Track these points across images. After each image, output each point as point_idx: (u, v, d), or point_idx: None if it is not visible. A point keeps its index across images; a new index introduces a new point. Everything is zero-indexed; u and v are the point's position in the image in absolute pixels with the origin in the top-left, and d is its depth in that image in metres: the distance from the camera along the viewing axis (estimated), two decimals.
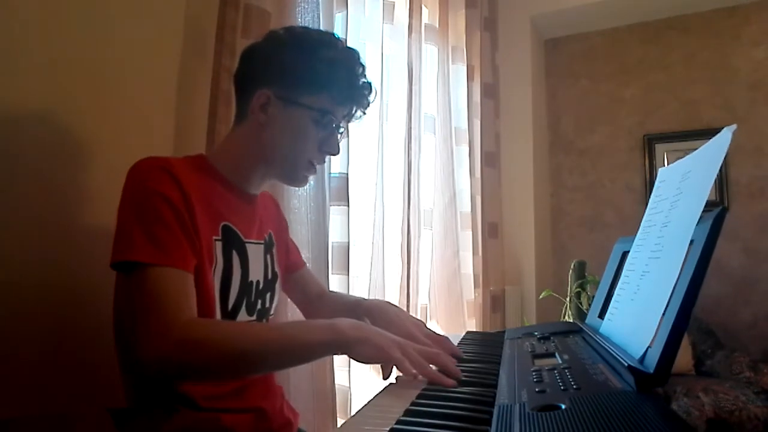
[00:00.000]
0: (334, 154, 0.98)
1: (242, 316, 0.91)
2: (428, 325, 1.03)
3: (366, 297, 1.65)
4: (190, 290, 0.76)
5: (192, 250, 0.79)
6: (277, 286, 1.01)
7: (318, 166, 0.98)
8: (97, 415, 0.96)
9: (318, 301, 1.13)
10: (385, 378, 0.82)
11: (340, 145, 0.99)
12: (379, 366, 0.84)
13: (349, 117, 0.97)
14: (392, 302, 1.10)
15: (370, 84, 0.96)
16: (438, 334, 0.98)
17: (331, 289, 1.41)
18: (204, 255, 0.82)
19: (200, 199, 0.83)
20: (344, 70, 0.92)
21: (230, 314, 0.88)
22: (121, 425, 0.89)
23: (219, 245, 0.86)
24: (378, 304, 1.05)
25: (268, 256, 0.99)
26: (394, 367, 0.80)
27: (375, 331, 0.78)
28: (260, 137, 0.92)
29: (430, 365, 0.77)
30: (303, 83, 0.90)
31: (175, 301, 0.72)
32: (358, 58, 0.95)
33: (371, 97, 0.97)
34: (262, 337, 0.76)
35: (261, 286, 0.96)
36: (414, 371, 0.75)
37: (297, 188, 1.33)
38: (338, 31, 1.52)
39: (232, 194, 0.93)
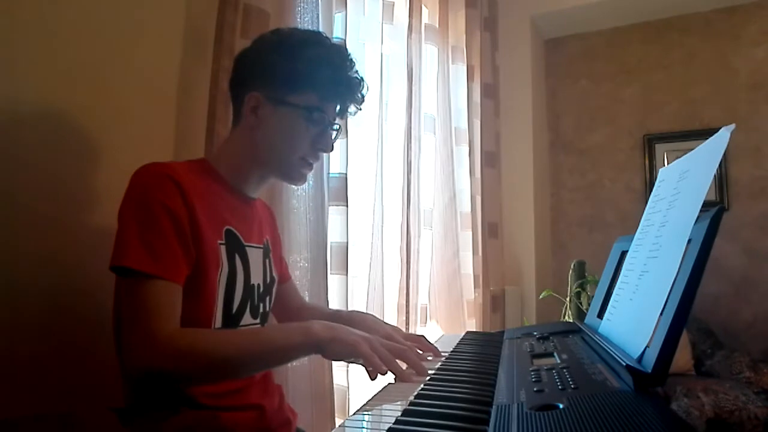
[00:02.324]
0: (327, 152, 0.99)
1: (246, 318, 0.92)
2: (428, 325, 1.07)
3: (365, 299, 1.66)
4: (178, 302, 0.78)
5: (186, 261, 0.80)
6: (275, 289, 1.03)
7: (316, 166, 1.00)
8: (99, 415, 0.97)
9: (297, 313, 1.14)
10: (372, 379, 0.84)
11: (334, 142, 1.00)
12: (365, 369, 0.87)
13: (342, 113, 0.98)
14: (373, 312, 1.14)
15: (360, 79, 0.97)
16: (414, 334, 1.08)
17: (329, 289, 1.42)
18: (209, 261, 0.83)
19: (204, 204, 0.84)
20: (328, 67, 0.92)
21: (234, 317, 0.89)
22: (121, 425, 0.89)
23: (223, 249, 0.87)
24: (357, 313, 1.12)
25: (267, 261, 1.00)
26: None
27: (345, 330, 0.81)
28: (253, 138, 0.93)
29: (398, 361, 0.81)
30: (288, 83, 0.91)
31: (161, 313, 0.74)
32: (346, 54, 0.96)
33: (363, 92, 0.98)
34: (240, 344, 0.78)
35: (261, 289, 0.97)
36: (384, 368, 0.78)
37: (296, 188, 1.33)
38: (337, 32, 1.52)
39: (234, 198, 0.94)
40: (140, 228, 0.76)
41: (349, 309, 1.45)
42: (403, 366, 0.82)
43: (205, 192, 0.86)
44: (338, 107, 0.96)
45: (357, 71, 0.96)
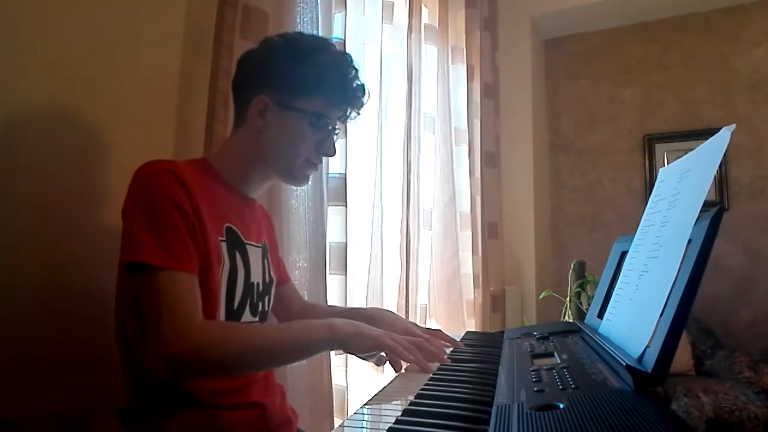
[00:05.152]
0: (330, 156, 1.01)
1: (246, 316, 0.93)
2: (428, 325, 1.09)
3: (364, 298, 1.66)
4: (198, 292, 0.79)
5: (197, 253, 0.80)
6: (273, 289, 1.04)
7: (317, 166, 1.00)
8: (102, 415, 0.97)
9: (300, 313, 1.15)
10: (397, 370, 0.89)
11: (336, 146, 1.02)
12: (373, 363, 0.94)
13: (343, 118, 1.00)
14: (387, 308, 1.18)
15: (363, 86, 0.99)
16: (432, 329, 1.13)
17: (329, 289, 1.42)
18: (212, 256, 0.84)
19: (205, 201, 0.85)
20: (336, 73, 0.94)
21: (235, 314, 0.90)
22: (123, 424, 0.89)
23: (224, 246, 0.88)
24: (377, 310, 1.18)
25: (266, 261, 1.01)
26: (387, 363, 0.89)
27: (366, 326, 0.88)
28: (259, 141, 0.94)
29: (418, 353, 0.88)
30: (297, 88, 0.93)
31: (187, 305, 0.75)
32: (351, 61, 0.98)
33: (365, 99, 1.00)
34: (269, 337, 0.83)
35: (261, 288, 0.98)
36: (412, 357, 0.86)
37: (295, 188, 1.34)
38: (337, 32, 1.51)
39: (233, 197, 0.96)
40: (150, 223, 0.77)
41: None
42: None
43: (206, 190, 0.87)
44: (341, 113, 0.98)
45: (360, 79, 0.99)
